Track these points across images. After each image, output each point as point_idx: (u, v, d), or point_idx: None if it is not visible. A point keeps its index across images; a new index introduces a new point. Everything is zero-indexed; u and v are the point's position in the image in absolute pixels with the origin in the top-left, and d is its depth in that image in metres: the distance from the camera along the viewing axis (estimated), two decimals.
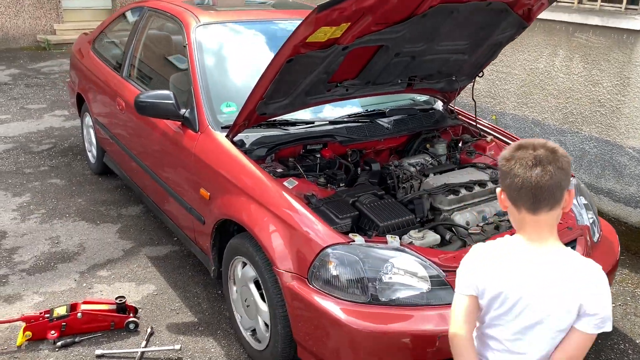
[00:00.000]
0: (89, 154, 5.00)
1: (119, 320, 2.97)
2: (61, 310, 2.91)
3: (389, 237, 2.38)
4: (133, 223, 4.13)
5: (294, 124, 3.11)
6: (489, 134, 3.51)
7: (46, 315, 2.90)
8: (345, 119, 3.24)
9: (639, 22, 4.11)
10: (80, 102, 4.98)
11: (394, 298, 2.24)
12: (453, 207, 2.78)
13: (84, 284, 3.39)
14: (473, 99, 3.53)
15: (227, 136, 2.91)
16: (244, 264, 2.75)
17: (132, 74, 3.97)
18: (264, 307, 2.62)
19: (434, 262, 2.31)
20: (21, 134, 5.78)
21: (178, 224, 3.39)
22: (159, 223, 4.13)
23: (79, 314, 2.89)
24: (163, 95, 3.09)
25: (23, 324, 2.86)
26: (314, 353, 2.37)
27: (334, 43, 2.53)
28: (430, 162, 3.20)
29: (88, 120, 4.83)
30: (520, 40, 4.58)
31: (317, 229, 2.37)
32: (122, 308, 3.00)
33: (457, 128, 3.60)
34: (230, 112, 3.13)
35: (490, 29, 3.02)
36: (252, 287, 2.69)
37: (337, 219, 2.48)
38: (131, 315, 3.01)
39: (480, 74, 3.45)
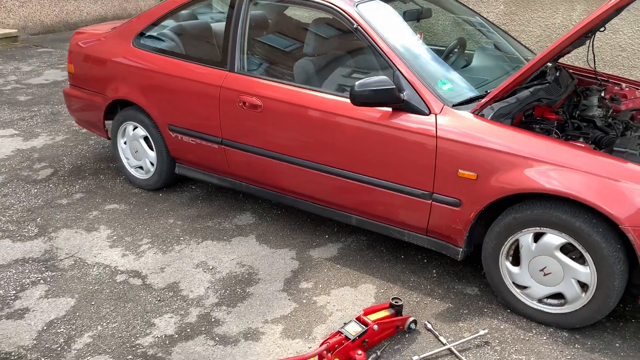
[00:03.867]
0: (131, 170, 4.35)
1: (402, 322, 2.79)
2: (354, 328, 2.64)
3: None
4: (262, 231, 3.76)
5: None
6: (610, 83, 3.87)
7: (343, 335, 2.61)
8: (535, 82, 3.33)
9: None
10: (110, 110, 4.30)
11: None
12: None
13: (304, 301, 3.06)
14: (593, 52, 3.85)
15: (474, 112, 2.87)
16: (537, 236, 2.77)
17: (246, 68, 3.56)
18: (582, 269, 2.68)
19: None
20: None
21: (389, 218, 3.19)
22: (288, 224, 3.82)
23: (375, 326, 2.65)
24: (382, 81, 2.90)
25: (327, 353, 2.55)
26: None
27: None
28: (609, 112, 3.46)
29: (133, 131, 4.18)
30: None
31: None
32: (400, 310, 2.82)
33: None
34: (449, 89, 3.04)
35: None
36: (560, 254, 2.72)
37: None
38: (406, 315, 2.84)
39: (602, 29, 3.77)
